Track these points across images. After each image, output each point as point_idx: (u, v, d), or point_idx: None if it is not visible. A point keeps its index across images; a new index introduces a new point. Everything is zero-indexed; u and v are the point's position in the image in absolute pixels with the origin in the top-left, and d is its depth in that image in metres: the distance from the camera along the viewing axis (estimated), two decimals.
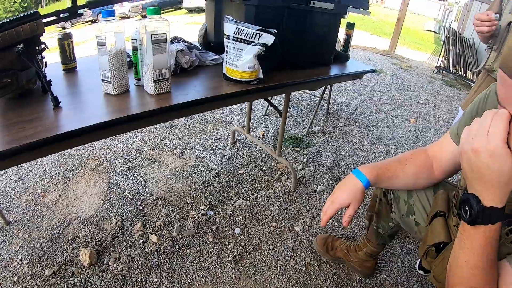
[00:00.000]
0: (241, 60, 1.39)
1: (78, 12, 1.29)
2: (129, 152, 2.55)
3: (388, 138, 3.24)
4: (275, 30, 1.39)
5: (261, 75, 1.45)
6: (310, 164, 2.61)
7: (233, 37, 1.37)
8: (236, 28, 1.36)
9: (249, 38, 1.35)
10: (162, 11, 1.20)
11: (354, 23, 2.34)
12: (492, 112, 0.71)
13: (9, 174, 2.24)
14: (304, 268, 1.71)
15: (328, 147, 2.90)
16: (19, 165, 2.29)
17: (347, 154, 2.84)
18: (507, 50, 0.67)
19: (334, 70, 1.97)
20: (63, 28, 15.50)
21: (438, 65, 6.63)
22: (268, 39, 1.36)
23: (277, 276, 1.65)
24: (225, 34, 1.40)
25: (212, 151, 2.65)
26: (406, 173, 1.10)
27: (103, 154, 2.51)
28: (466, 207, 0.75)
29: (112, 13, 1.19)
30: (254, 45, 1.36)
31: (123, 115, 1.12)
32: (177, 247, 1.75)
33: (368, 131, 3.32)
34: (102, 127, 1.08)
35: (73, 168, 2.33)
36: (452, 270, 0.81)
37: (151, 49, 1.21)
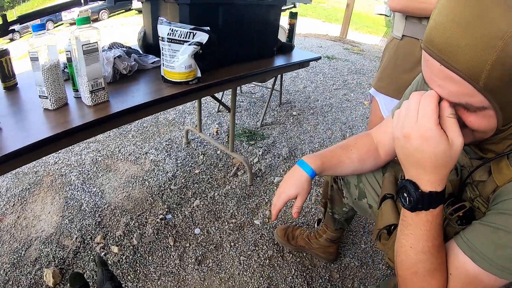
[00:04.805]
0: (177, 61, 1.37)
1: (10, 29, 1.26)
2: (84, 164, 2.47)
3: (342, 123, 3.30)
4: (208, 28, 1.38)
5: (199, 74, 1.44)
6: (265, 156, 2.63)
7: (167, 38, 1.35)
8: (170, 29, 1.34)
9: (183, 38, 1.34)
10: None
11: (297, 13, 2.36)
12: (419, 94, 0.68)
13: None
14: (267, 261, 1.73)
15: (283, 137, 2.93)
16: None
17: (302, 142, 2.88)
18: (429, 30, 0.62)
19: (278, 61, 1.99)
20: (11, 40, 14.88)
21: None
22: (202, 37, 1.35)
23: (241, 272, 1.66)
24: (159, 37, 1.38)
25: (167, 154, 2.61)
26: (352, 159, 1.10)
27: (57, 169, 2.42)
28: (405, 194, 0.73)
29: (42, 27, 1.15)
30: (189, 44, 1.35)
31: (62, 130, 1.09)
32: (139, 255, 1.73)
33: (322, 117, 3.37)
34: (40, 145, 1.04)
35: (29, 187, 2.24)
36: (398, 256, 0.79)
37: (83, 59, 1.18)
